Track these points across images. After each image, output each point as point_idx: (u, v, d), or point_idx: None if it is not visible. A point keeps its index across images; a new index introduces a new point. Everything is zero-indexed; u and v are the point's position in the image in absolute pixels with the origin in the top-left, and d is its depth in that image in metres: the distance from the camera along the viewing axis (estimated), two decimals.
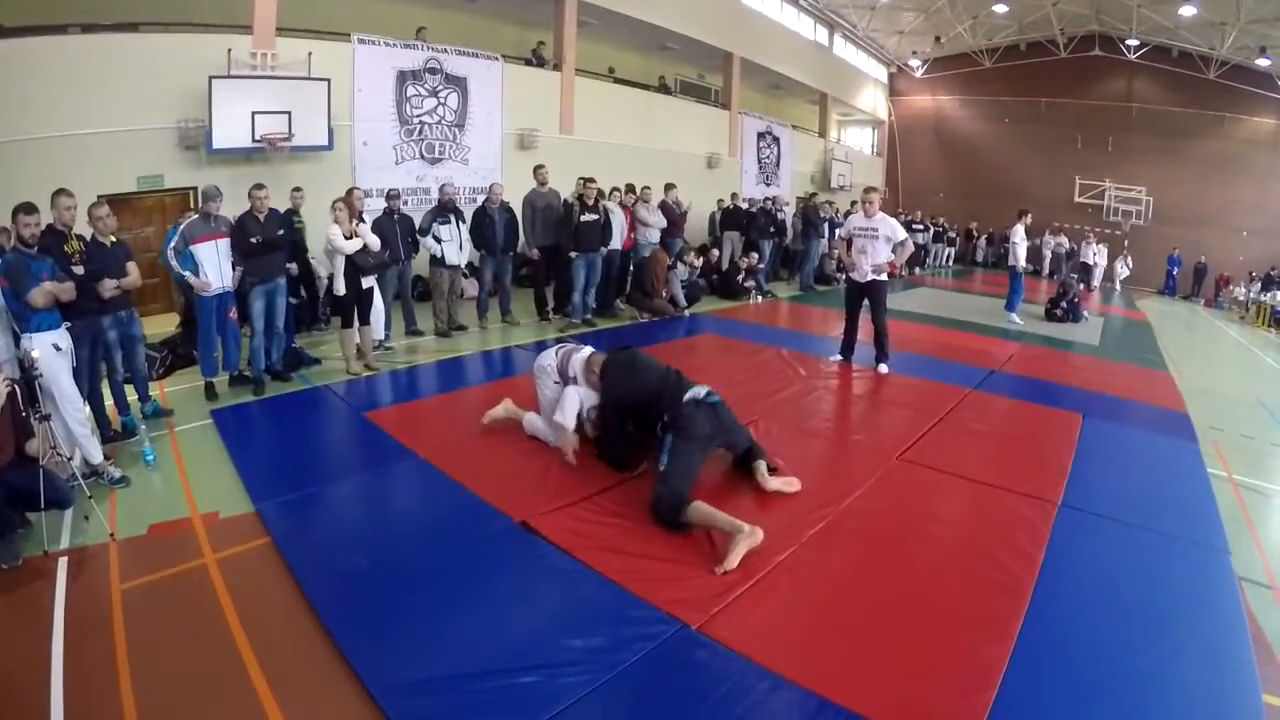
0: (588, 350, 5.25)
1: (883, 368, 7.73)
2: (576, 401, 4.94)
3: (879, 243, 7.58)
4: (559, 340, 7.98)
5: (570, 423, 4.89)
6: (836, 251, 7.94)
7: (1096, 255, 20.86)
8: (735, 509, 4.09)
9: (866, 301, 7.84)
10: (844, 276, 8.25)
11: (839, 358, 8.10)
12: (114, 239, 5.43)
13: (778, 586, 3.56)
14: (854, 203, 19.41)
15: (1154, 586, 3.77)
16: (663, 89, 18.66)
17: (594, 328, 9.66)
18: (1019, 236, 12.30)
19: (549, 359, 5.25)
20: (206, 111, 9.21)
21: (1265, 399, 8.74)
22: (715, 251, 13.64)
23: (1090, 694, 2.89)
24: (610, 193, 10.43)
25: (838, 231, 8.30)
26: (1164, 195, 22.82)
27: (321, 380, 6.92)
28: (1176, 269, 22.79)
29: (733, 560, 3.67)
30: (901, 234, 7.66)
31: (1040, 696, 2.85)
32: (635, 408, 4.78)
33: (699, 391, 4.55)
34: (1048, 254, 22.89)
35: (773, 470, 4.71)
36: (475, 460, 4.97)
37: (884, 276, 7.74)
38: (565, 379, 5.14)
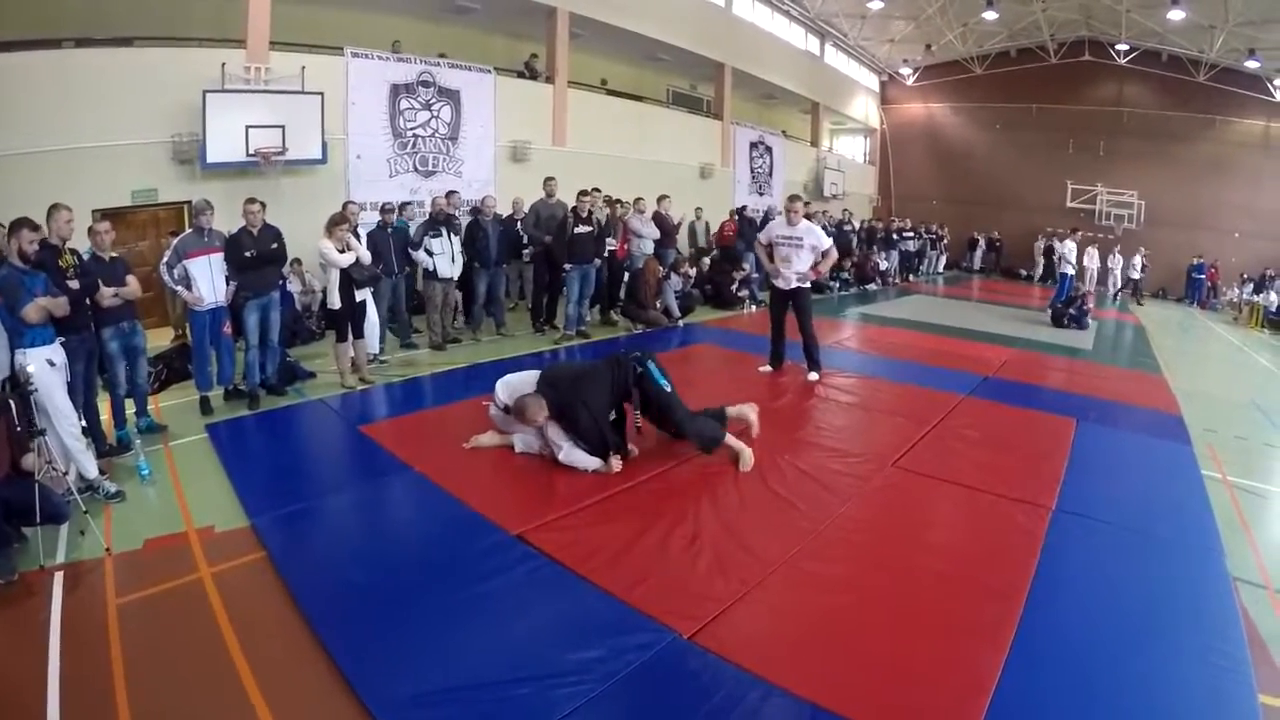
0: (503, 382, 5.35)
1: (813, 375, 7.62)
2: (577, 452, 4.96)
3: (803, 251, 7.46)
4: (553, 353, 8.43)
5: (592, 461, 4.94)
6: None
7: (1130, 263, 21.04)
8: (729, 515, 4.11)
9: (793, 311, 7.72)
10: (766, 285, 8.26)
11: (768, 369, 7.96)
12: (113, 254, 5.51)
13: (771, 594, 3.57)
14: (844, 211, 19.53)
15: (1149, 589, 3.79)
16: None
17: (588, 339, 9.67)
18: (1069, 250, 15.37)
19: (505, 417, 5.30)
20: (200, 125, 9.23)
21: (1259, 400, 8.79)
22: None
23: (1086, 697, 2.91)
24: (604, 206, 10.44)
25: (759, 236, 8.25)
26: (1156, 199, 22.86)
27: (316, 394, 6.92)
28: (1203, 276, 21.79)
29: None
30: (826, 243, 7.52)
31: (1035, 701, 2.86)
32: (606, 393, 5.02)
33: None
34: (1041, 260, 23.00)
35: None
36: (470, 473, 4.98)
37: (808, 284, 7.65)
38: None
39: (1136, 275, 20.86)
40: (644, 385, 5.04)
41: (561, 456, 4.95)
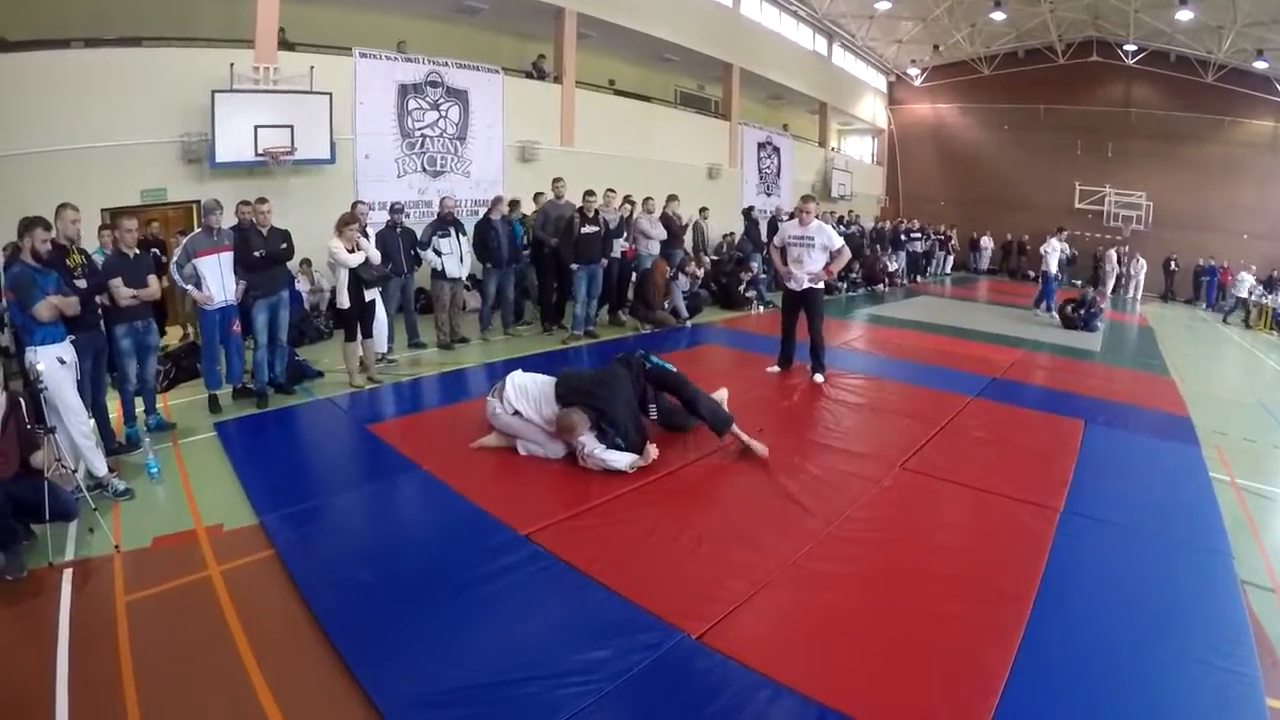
0: (512, 385, 5.27)
1: (818, 378, 7.60)
2: (610, 453, 4.93)
3: (815, 251, 7.46)
4: (561, 354, 8.47)
5: (626, 458, 4.92)
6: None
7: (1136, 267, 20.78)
8: (738, 515, 4.12)
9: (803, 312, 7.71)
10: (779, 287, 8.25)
11: (776, 369, 7.96)
12: (137, 251, 5.62)
13: (780, 595, 3.57)
14: (849, 212, 19.49)
15: (1156, 591, 3.77)
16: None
17: (596, 339, 9.67)
18: (1052, 248, 14.50)
19: (511, 421, 5.24)
20: (209, 125, 9.28)
21: (1267, 402, 8.74)
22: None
23: (1093, 699, 2.89)
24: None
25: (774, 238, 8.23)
26: (1164, 200, 22.79)
27: (324, 393, 6.94)
28: (1214, 277, 21.10)
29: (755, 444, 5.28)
30: (838, 242, 7.53)
31: (1043, 702, 2.85)
32: (631, 389, 5.25)
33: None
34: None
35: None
36: (479, 473, 4.99)
37: (820, 285, 7.65)
38: (537, 408, 5.18)
39: (1244, 294, 18.58)
40: (654, 376, 5.37)
41: (599, 454, 4.89)
